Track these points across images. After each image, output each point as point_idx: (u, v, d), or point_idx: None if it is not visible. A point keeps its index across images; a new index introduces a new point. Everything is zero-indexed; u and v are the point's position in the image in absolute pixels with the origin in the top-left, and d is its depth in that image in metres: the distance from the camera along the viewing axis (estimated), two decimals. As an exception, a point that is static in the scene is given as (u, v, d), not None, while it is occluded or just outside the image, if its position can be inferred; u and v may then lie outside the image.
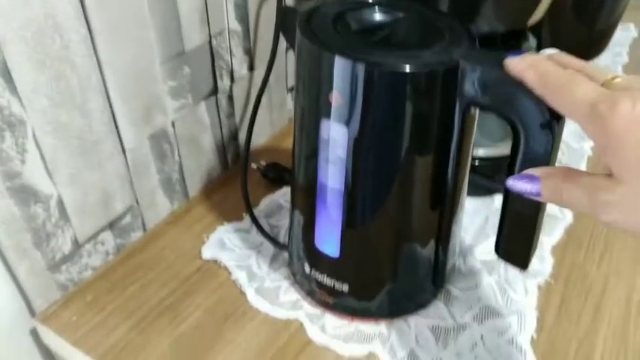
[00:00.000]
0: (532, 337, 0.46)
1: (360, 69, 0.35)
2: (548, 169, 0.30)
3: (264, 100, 0.61)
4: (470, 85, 0.35)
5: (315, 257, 0.46)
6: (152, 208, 0.56)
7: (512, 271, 0.51)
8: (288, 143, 0.70)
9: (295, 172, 0.45)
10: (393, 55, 0.36)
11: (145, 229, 0.56)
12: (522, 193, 0.30)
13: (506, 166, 0.62)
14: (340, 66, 0.36)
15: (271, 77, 0.56)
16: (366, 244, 0.43)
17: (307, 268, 0.46)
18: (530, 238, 0.39)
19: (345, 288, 0.45)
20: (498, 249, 0.41)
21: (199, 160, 0.60)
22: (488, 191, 0.61)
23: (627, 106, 0.24)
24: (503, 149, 0.60)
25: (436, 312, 0.48)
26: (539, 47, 0.63)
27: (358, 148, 0.38)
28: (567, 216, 0.57)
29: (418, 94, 0.36)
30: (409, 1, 0.46)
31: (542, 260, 0.53)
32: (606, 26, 0.72)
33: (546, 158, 0.33)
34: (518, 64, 0.31)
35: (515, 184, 0.30)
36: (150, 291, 0.50)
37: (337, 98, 0.37)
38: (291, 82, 0.72)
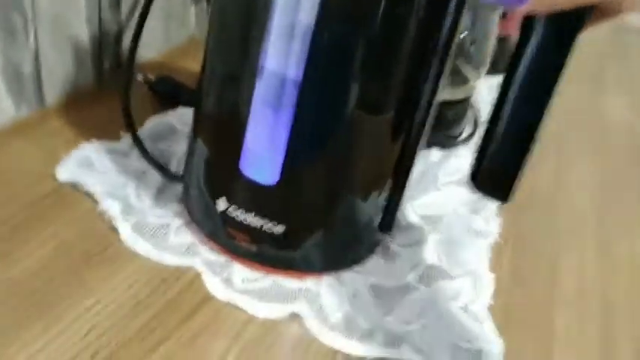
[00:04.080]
0: (489, 304, 0.37)
1: None
2: None
3: (161, 3, 0.47)
4: None
5: (237, 188, 0.33)
6: (-13, 106, 0.39)
7: (458, 229, 0.43)
8: (185, 63, 0.56)
9: (209, 65, 0.32)
10: None
11: (-27, 136, 0.39)
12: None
13: (443, 117, 0.56)
14: None
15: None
16: (315, 166, 0.31)
17: (222, 205, 0.33)
18: (521, 162, 0.31)
19: (279, 229, 0.33)
20: (475, 178, 0.33)
21: (65, 56, 0.44)
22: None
23: None
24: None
25: (375, 269, 0.37)
26: None
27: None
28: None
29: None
30: None
31: (488, 220, 0.45)
32: None
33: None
34: None
35: None
36: (-28, 215, 0.34)
37: None
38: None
